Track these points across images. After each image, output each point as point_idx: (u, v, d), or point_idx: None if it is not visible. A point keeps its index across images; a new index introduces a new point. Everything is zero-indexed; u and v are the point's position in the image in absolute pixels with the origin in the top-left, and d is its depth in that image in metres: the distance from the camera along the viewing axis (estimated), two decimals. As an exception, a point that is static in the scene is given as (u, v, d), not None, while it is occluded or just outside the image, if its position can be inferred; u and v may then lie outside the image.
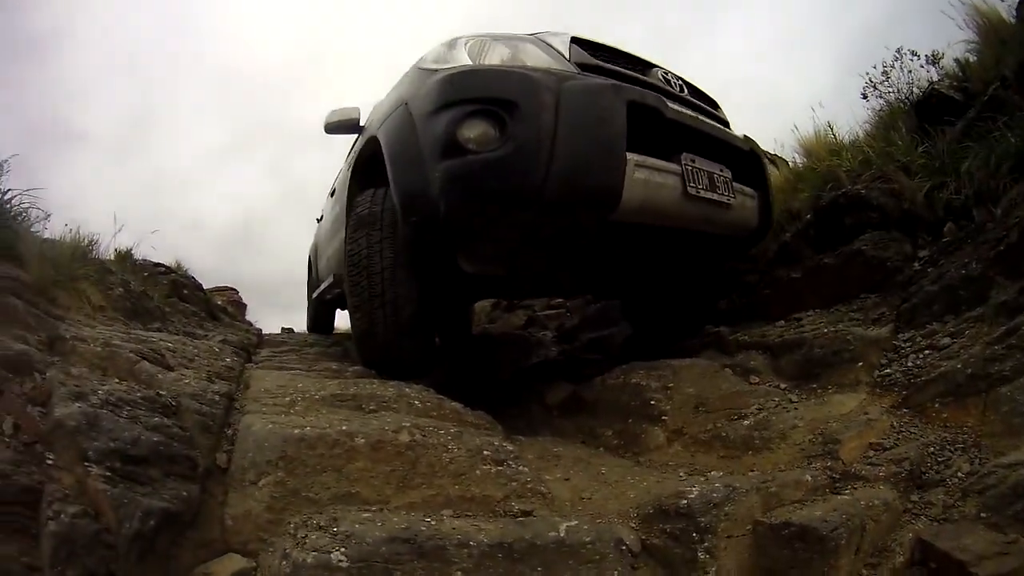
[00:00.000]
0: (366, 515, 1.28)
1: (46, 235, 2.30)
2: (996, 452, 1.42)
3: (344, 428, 1.47)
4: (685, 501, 1.32)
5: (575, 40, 2.21)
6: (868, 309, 2.29)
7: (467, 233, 2.04)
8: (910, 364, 1.89)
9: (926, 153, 2.58)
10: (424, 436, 1.51)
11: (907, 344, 1.99)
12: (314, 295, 4.62)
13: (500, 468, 1.51)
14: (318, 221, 4.85)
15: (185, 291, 3.59)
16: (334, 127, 3.13)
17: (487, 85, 1.89)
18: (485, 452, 1.53)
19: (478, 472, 1.47)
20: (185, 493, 1.27)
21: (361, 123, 3.05)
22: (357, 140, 3.13)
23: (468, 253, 2.15)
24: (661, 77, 2.36)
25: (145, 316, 2.49)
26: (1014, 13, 2.82)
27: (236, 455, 1.42)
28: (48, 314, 1.77)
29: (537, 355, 3.78)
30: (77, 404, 1.28)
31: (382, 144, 2.19)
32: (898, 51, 3.49)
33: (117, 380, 1.48)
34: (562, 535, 1.23)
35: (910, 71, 3.42)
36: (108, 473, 1.19)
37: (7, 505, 1.09)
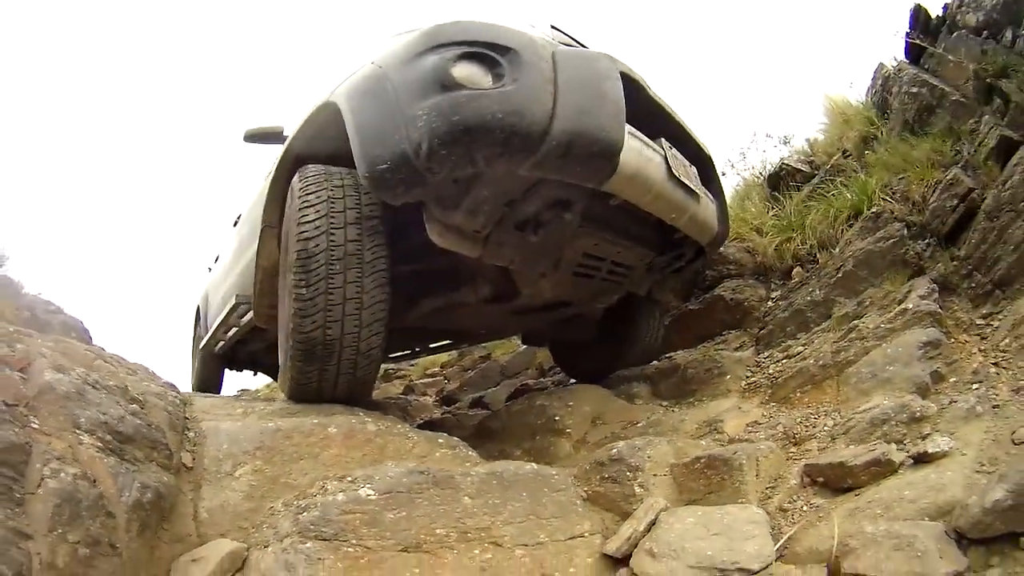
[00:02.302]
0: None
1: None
2: (853, 408, 1.89)
3: (316, 421, 1.62)
4: (615, 450, 1.70)
5: (552, 26, 2.23)
6: (731, 341, 2.90)
7: (445, 187, 1.83)
8: (771, 371, 2.41)
9: (776, 216, 3.33)
10: (388, 426, 1.71)
11: (767, 359, 2.54)
12: (201, 345, 4.30)
13: (454, 451, 1.74)
14: (209, 270, 4.60)
15: (73, 334, 3.35)
16: (255, 136, 3.02)
17: (479, 31, 1.81)
18: (440, 440, 1.78)
19: (437, 455, 1.69)
20: (166, 479, 1.33)
21: (285, 134, 2.88)
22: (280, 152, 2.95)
23: (440, 217, 1.92)
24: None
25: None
26: (861, 98, 3.73)
27: (208, 450, 1.51)
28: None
29: (421, 417, 3.92)
30: (61, 375, 1.31)
31: (343, 105, 1.93)
32: (754, 134, 4.33)
33: (83, 368, 1.49)
34: (537, 469, 1.56)
35: (764, 150, 4.23)
36: (99, 443, 1.22)
37: (-8, 463, 1.01)
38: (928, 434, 1.64)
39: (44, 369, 1.29)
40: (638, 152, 1.91)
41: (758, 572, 1.31)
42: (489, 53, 1.74)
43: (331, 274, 1.83)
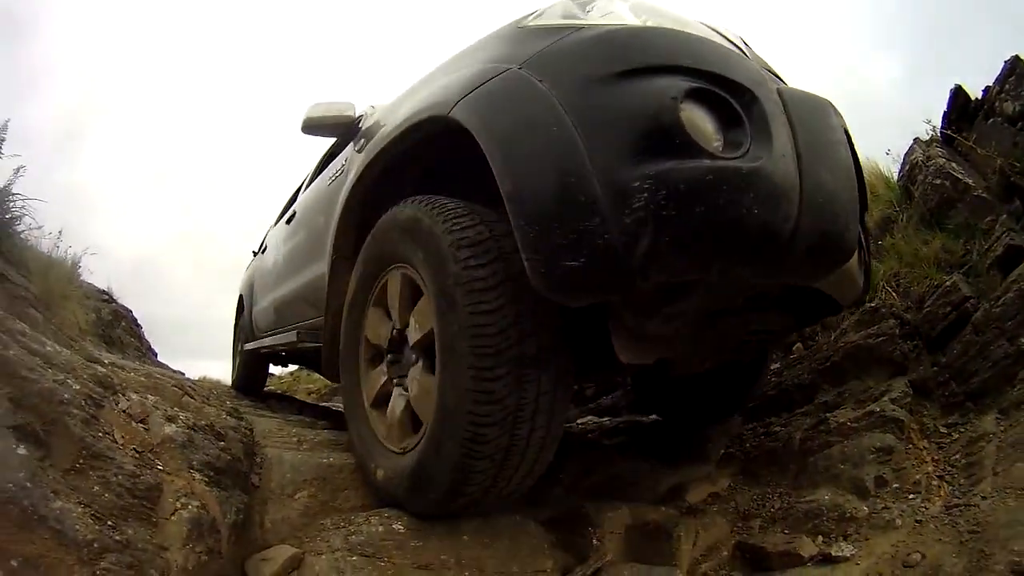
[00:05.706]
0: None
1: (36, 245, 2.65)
2: (801, 496, 2.35)
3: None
4: (584, 508, 2.24)
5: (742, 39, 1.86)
6: (723, 408, 3.38)
7: (657, 295, 1.50)
8: (748, 446, 2.92)
9: (789, 289, 3.75)
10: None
11: (748, 432, 3.06)
12: (245, 346, 4.14)
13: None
14: (255, 253, 4.51)
15: (123, 323, 3.96)
16: (317, 125, 2.55)
17: (705, 56, 1.38)
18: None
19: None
20: (245, 499, 1.93)
21: (359, 124, 2.52)
22: (345, 146, 2.59)
23: (632, 325, 1.58)
24: None
25: (111, 345, 2.99)
26: (897, 169, 3.97)
27: (273, 475, 2.11)
28: (61, 331, 2.28)
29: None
30: (173, 425, 1.90)
31: (477, 128, 1.49)
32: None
33: (178, 408, 2.09)
34: (520, 520, 2.09)
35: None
36: (206, 479, 1.81)
37: (136, 498, 1.58)
38: (849, 535, 2.04)
39: (162, 423, 1.87)
40: None
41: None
42: (724, 95, 1.31)
43: (523, 365, 1.51)
